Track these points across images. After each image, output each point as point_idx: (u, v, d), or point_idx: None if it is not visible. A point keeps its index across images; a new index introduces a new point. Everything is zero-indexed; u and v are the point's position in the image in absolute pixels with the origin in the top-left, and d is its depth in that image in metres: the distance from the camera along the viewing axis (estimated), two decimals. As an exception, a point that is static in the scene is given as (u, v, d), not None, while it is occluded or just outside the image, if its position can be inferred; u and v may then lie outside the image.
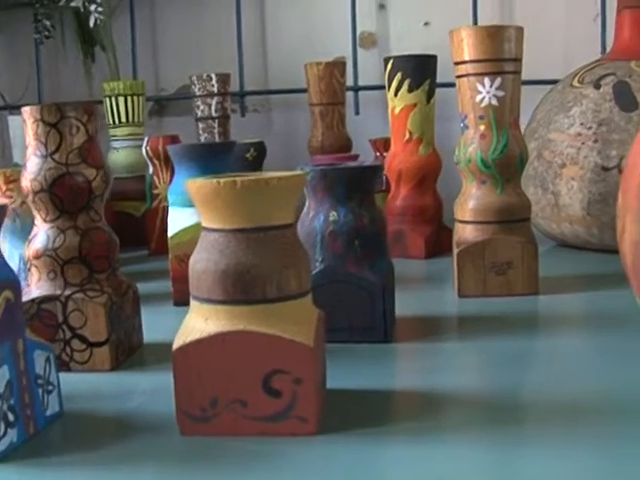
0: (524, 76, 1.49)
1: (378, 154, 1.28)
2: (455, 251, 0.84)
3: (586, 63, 1.14)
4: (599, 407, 0.52)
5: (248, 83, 1.60)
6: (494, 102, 0.82)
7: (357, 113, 1.55)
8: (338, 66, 1.37)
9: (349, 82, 1.51)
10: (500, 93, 0.82)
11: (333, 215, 0.66)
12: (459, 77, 0.84)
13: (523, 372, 0.62)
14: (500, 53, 0.82)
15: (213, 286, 0.48)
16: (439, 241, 1.09)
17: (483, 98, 0.83)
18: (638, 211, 0.52)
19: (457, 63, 0.84)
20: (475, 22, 1.50)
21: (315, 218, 0.67)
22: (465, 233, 0.85)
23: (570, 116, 1.06)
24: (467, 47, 0.82)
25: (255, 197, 0.47)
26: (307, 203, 0.68)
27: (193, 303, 0.50)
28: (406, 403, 0.56)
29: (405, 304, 0.80)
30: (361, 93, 1.55)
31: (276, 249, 0.48)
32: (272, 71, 1.63)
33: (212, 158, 0.82)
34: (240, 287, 0.47)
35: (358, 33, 1.57)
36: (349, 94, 1.51)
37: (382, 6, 1.59)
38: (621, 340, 0.67)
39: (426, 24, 1.56)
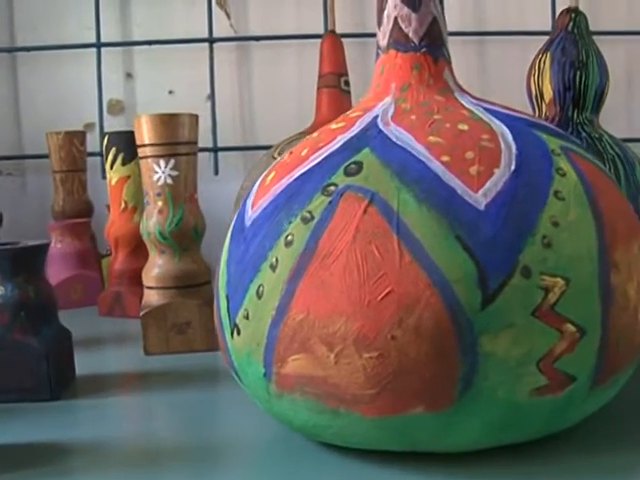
0: (259, 142, 1.61)
1: (113, 218, 1.37)
2: (141, 314, 0.94)
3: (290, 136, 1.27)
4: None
5: (1, 147, 1.66)
6: (169, 181, 0.93)
7: (104, 177, 1.63)
8: (77, 135, 1.44)
9: (96, 148, 1.59)
10: (174, 173, 0.93)
11: (1, 290, 0.75)
12: (141, 158, 0.94)
13: (187, 419, 0.71)
14: (174, 137, 0.92)
15: None
16: (157, 300, 1.18)
17: (159, 177, 0.93)
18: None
19: (138, 146, 0.94)
20: (212, 90, 1.62)
21: (-16, 293, 0.75)
22: (150, 298, 0.94)
23: (269, 185, 1.18)
24: (146, 132, 0.92)
25: None
26: (-19, 279, 0.76)
27: None
28: (56, 453, 0.63)
29: (94, 363, 0.89)
30: (108, 158, 1.63)
31: None
32: (26, 136, 1.69)
33: None
34: None
35: (106, 100, 1.66)
36: (97, 159, 1.59)
37: (129, 75, 1.68)
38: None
39: (170, 92, 1.67)
